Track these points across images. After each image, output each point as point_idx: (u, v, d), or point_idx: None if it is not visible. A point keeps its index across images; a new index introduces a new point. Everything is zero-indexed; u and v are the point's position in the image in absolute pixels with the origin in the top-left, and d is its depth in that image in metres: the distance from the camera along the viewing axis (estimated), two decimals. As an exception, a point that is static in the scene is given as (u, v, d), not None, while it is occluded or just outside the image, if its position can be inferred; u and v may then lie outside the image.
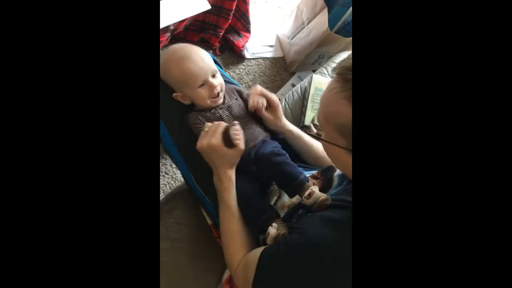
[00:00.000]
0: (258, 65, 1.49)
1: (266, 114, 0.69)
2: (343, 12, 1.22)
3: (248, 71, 1.46)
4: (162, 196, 1.15)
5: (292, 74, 1.51)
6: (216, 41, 1.37)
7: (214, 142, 0.58)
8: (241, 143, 0.60)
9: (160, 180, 1.17)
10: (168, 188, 1.17)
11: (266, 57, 1.51)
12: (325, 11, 1.19)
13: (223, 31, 1.34)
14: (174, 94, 0.67)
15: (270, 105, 0.69)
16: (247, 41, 1.42)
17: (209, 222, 0.75)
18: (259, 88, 0.69)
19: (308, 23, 1.29)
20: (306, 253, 0.44)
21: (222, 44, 1.42)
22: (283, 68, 1.52)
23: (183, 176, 0.72)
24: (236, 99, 0.70)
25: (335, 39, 1.20)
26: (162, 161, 1.19)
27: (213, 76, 0.64)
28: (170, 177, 1.18)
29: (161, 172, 1.17)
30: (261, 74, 1.48)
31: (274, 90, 1.46)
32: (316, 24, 1.23)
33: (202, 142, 0.59)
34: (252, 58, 1.48)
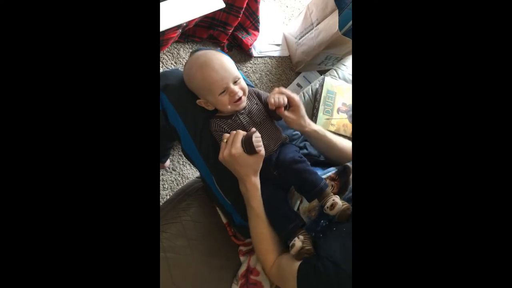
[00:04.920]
0: (264, 63, 1.49)
1: (287, 113, 0.67)
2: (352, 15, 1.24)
3: (255, 69, 1.46)
4: (168, 192, 1.16)
5: (298, 73, 1.53)
6: (225, 38, 1.36)
7: (234, 151, 0.59)
8: (262, 149, 0.61)
9: (168, 176, 1.17)
10: (176, 184, 1.17)
11: (273, 56, 1.52)
12: (336, 13, 1.20)
13: (232, 29, 1.34)
14: (197, 101, 0.67)
15: (292, 104, 0.68)
16: (255, 40, 1.43)
17: (224, 221, 0.76)
18: (278, 88, 0.68)
19: (318, 24, 1.30)
20: (342, 283, 0.47)
21: (231, 41, 1.42)
22: (289, 68, 1.53)
23: (203, 178, 0.73)
24: (256, 103, 0.70)
25: (344, 41, 1.21)
26: (169, 157, 1.19)
27: (235, 82, 0.64)
28: (178, 173, 1.19)
29: (169, 168, 1.18)
30: (268, 72, 1.48)
31: (280, 89, 1.48)
32: (326, 26, 1.24)
33: (223, 153, 0.61)
34: (259, 57, 1.49)
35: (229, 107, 0.65)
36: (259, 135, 0.61)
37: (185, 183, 1.15)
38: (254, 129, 0.63)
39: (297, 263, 0.54)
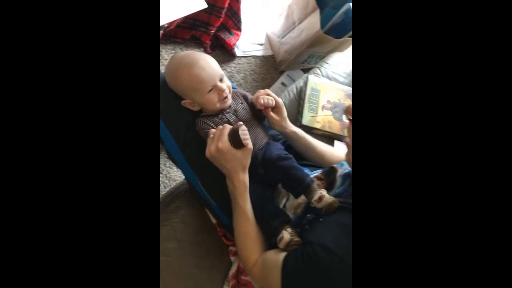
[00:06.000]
0: (248, 63, 1.50)
1: (272, 114, 0.71)
2: (333, 14, 1.25)
3: (239, 69, 1.46)
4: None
5: (282, 72, 1.54)
6: (207, 39, 1.36)
7: (221, 146, 0.58)
8: (249, 142, 0.60)
9: (154, 179, 1.16)
10: (163, 187, 1.16)
11: (256, 56, 1.53)
12: (317, 12, 1.21)
13: (215, 29, 1.34)
14: (183, 102, 0.67)
15: (276, 106, 0.71)
16: (238, 39, 1.43)
17: (214, 221, 0.76)
18: (264, 90, 0.72)
19: (300, 23, 1.32)
20: (333, 267, 0.46)
21: (213, 42, 1.42)
22: (273, 67, 1.54)
23: (188, 180, 0.73)
24: (242, 103, 0.71)
25: (326, 40, 1.23)
26: (155, 160, 1.18)
27: (221, 80, 0.65)
28: (164, 176, 1.18)
29: (155, 171, 1.16)
30: (252, 72, 1.49)
31: (265, 88, 1.48)
32: (308, 25, 1.25)
33: (210, 148, 0.60)
34: (243, 56, 1.49)
35: (218, 105, 0.66)
36: (246, 128, 0.60)
37: (172, 186, 1.14)
38: (240, 122, 0.62)
39: (283, 254, 0.53)
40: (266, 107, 0.69)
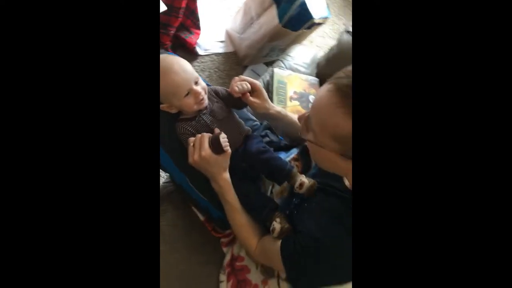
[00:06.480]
0: (212, 61, 1.51)
1: (252, 99, 0.72)
2: (289, 8, 1.31)
3: (203, 67, 1.47)
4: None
5: (245, 67, 1.57)
6: (168, 39, 1.35)
7: (204, 154, 0.62)
8: (229, 147, 0.65)
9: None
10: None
11: (219, 53, 1.54)
12: (274, 7, 1.26)
13: (174, 30, 1.33)
14: (161, 106, 0.68)
15: (254, 89, 0.72)
16: (198, 38, 1.43)
17: (201, 218, 0.79)
18: (238, 77, 0.72)
19: (258, 18, 1.35)
20: (322, 254, 0.53)
21: (174, 42, 1.40)
22: (236, 62, 1.56)
23: (175, 180, 0.74)
24: (217, 101, 0.73)
25: (286, 33, 1.28)
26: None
27: (196, 83, 0.67)
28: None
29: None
30: (216, 69, 1.50)
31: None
32: (267, 19, 1.29)
33: (194, 157, 0.64)
34: (205, 55, 1.50)
35: (195, 107, 0.68)
36: (225, 135, 0.65)
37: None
38: (217, 130, 0.66)
39: (279, 242, 0.60)
40: (243, 92, 0.70)
